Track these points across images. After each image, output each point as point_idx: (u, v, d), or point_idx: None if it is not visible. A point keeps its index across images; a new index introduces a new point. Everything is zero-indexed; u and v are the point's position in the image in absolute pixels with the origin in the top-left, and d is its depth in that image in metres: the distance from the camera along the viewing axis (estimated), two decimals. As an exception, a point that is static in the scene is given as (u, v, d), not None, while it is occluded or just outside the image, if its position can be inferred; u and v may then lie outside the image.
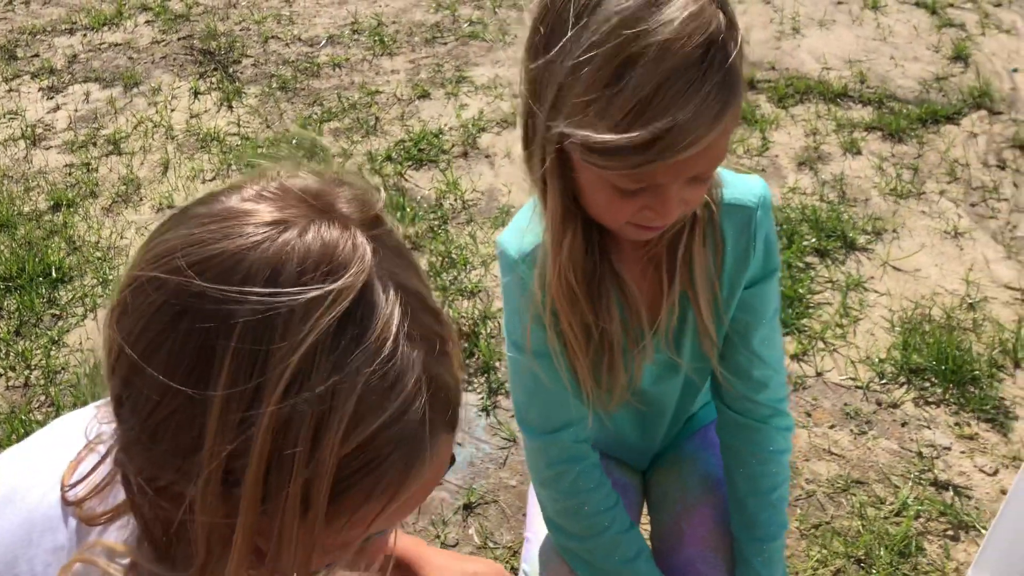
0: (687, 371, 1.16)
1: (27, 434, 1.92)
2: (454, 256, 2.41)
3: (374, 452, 0.54)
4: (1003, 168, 2.65)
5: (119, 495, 0.66)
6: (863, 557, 1.66)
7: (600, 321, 1.04)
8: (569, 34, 0.85)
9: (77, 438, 0.71)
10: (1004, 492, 1.74)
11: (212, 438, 0.52)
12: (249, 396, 0.52)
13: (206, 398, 0.52)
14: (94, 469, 0.68)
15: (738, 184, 1.06)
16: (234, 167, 2.85)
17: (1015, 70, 3.07)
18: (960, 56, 3.15)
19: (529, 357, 1.08)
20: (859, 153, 2.73)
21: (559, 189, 0.95)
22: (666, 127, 0.81)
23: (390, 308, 0.55)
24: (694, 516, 1.23)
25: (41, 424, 1.98)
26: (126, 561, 0.64)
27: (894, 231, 2.42)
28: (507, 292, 1.08)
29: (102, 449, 0.68)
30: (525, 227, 1.05)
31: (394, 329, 0.55)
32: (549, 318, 1.04)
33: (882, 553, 1.65)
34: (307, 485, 0.53)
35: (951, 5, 3.49)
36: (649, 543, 1.24)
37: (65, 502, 0.68)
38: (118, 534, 0.66)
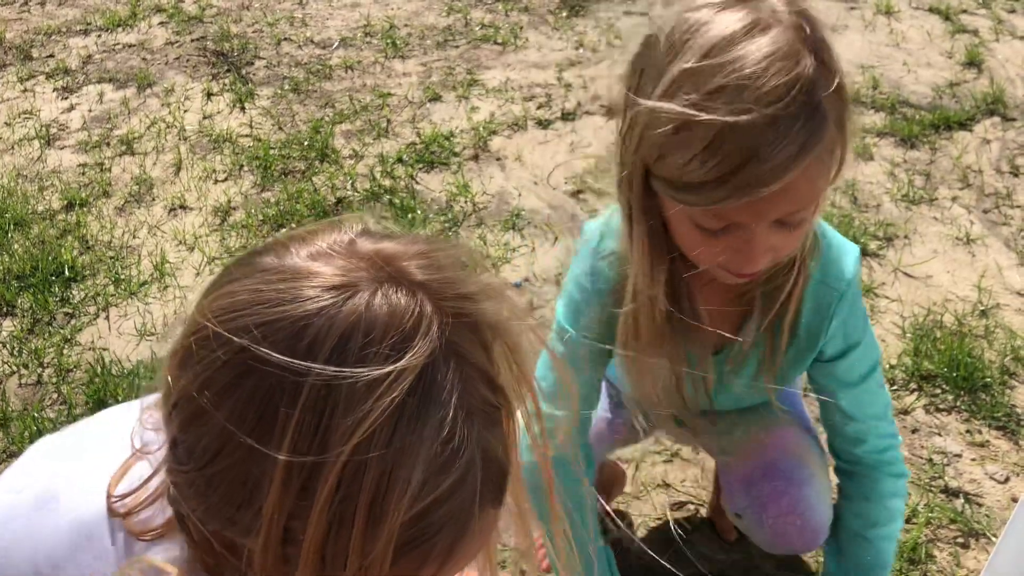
0: (741, 395, 1.16)
1: (40, 432, 1.93)
2: (464, 259, 2.42)
3: (426, 526, 0.55)
4: (1016, 175, 2.64)
5: (167, 511, 0.66)
6: (872, 564, 1.65)
7: (663, 339, 1.04)
8: (660, 66, 0.86)
9: (122, 441, 0.71)
10: (1015, 500, 1.73)
11: (274, 500, 0.53)
12: (310, 466, 0.52)
13: (267, 457, 0.53)
14: (144, 484, 0.68)
15: (831, 258, 1.04)
16: (245, 168, 2.87)
17: (1029, 76, 3.05)
18: (973, 62, 3.14)
19: (572, 344, 1.08)
20: (871, 159, 2.72)
21: (646, 221, 0.94)
22: (741, 163, 0.80)
23: (449, 386, 0.55)
24: (776, 432, 1.22)
25: (53, 423, 1.99)
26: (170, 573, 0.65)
27: (906, 237, 2.41)
28: (577, 282, 1.08)
29: (150, 460, 0.68)
30: (612, 226, 1.04)
31: (452, 407, 0.55)
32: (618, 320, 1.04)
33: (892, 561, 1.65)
34: (362, 555, 0.54)
35: (964, 11, 3.48)
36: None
37: (111, 512, 0.69)
38: (165, 554, 0.66)
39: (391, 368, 0.53)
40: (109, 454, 0.71)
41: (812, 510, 1.17)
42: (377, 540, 0.53)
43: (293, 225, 2.57)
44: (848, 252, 1.06)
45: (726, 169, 0.81)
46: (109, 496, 0.69)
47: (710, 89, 0.81)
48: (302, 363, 0.53)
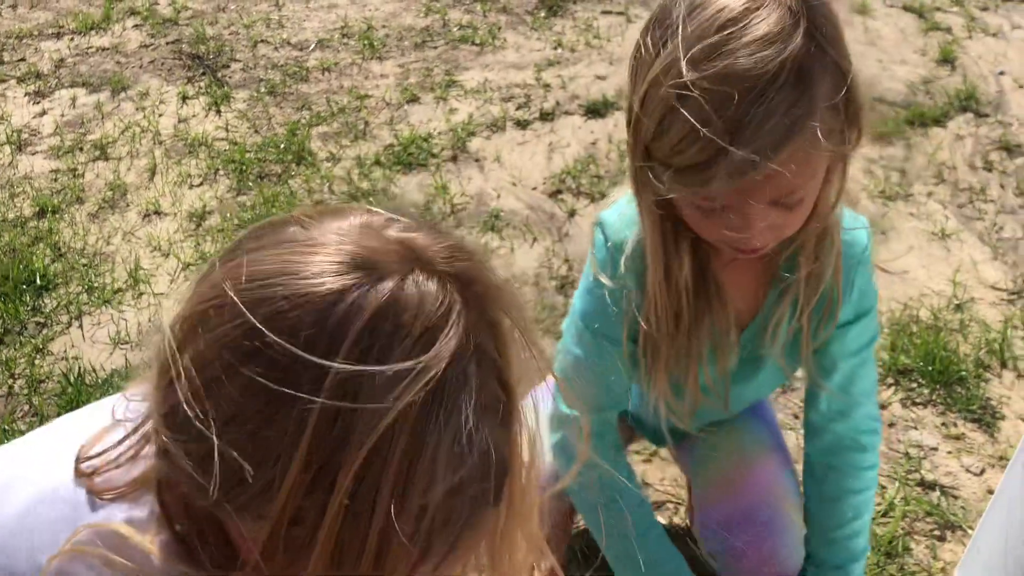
0: (770, 371, 1.15)
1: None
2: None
3: (433, 519, 0.54)
4: (989, 170, 2.67)
5: (132, 472, 0.65)
6: (851, 559, 1.66)
7: (689, 320, 1.03)
8: (656, 49, 0.86)
9: (86, 429, 0.70)
10: (991, 492, 1.74)
11: (293, 481, 0.52)
12: (332, 450, 0.51)
13: (284, 435, 0.51)
14: (119, 443, 0.66)
15: (848, 224, 1.05)
16: (221, 172, 2.84)
17: (1001, 73, 3.08)
18: (947, 59, 3.17)
19: (599, 339, 1.06)
20: (847, 155, 2.73)
21: (654, 205, 0.94)
22: (724, 147, 0.80)
23: (471, 380, 0.55)
24: (754, 471, 1.22)
25: (24, 434, 1.97)
26: (135, 541, 0.62)
27: (882, 233, 2.43)
28: (595, 279, 1.07)
29: (126, 427, 0.67)
30: (629, 216, 1.03)
31: (473, 402, 0.55)
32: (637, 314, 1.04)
33: (869, 554, 1.65)
34: (382, 539, 0.53)
35: (938, 9, 3.51)
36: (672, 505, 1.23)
37: (78, 473, 0.67)
38: (126, 514, 0.64)
39: (419, 361, 0.52)
40: (74, 440, 0.69)
41: (788, 559, 1.18)
42: (391, 529, 0.52)
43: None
44: (857, 220, 1.07)
45: (711, 153, 0.81)
46: (79, 458, 0.67)
47: (698, 73, 0.81)
48: (330, 343, 0.52)
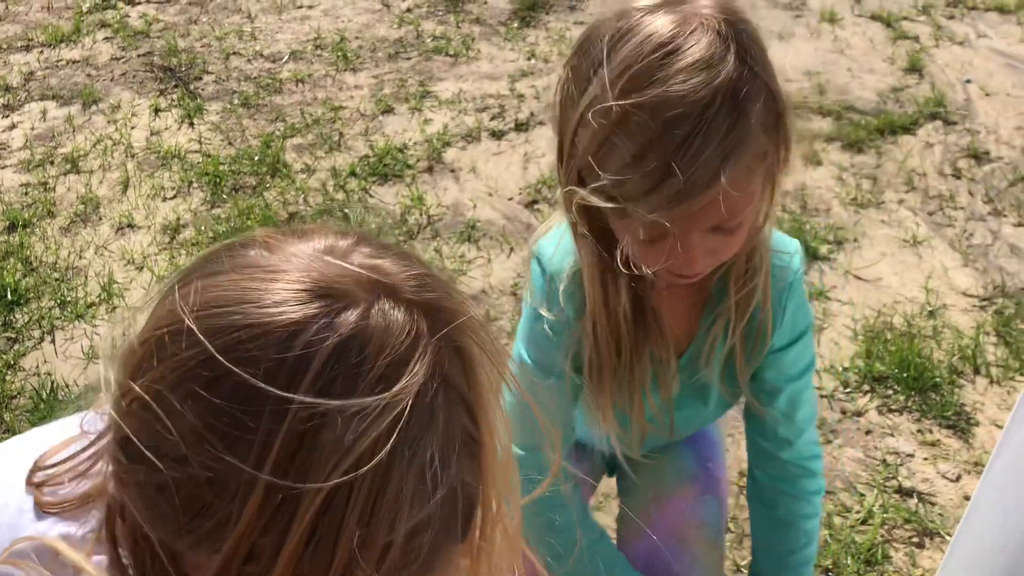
0: (719, 397, 1.15)
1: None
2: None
3: (397, 556, 0.53)
4: (958, 177, 2.71)
5: (79, 488, 0.63)
6: (831, 567, 1.67)
7: (630, 350, 1.02)
8: (587, 76, 0.84)
9: (54, 440, 0.68)
10: (967, 498, 1.76)
11: (249, 519, 0.50)
12: (288, 489, 0.49)
13: (240, 473, 0.49)
14: (72, 457, 0.65)
15: (776, 250, 1.04)
16: (195, 185, 2.82)
17: (968, 81, 3.14)
18: (915, 68, 3.22)
19: (543, 374, 1.06)
20: (820, 164, 2.76)
21: (589, 236, 0.93)
22: (661, 178, 0.79)
23: (438, 414, 0.53)
24: (665, 506, 1.22)
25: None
26: (68, 558, 0.60)
27: (855, 240, 2.46)
28: (536, 312, 1.05)
29: (88, 440, 0.65)
30: (565, 245, 1.02)
31: (440, 436, 0.53)
32: (583, 340, 1.02)
33: (849, 562, 1.66)
34: None
35: (905, 18, 3.56)
36: (614, 526, 1.23)
37: (29, 482, 0.65)
38: (63, 529, 0.62)
39: (383, 397, 0.50)
40: (27, 457, 0.68)
41: None
42: (354, 566, 0.51)
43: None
44: (789, 244, 1.08)
45: (649, 184, 0.80)
46: (34, 467, 0.66)
47: (631, 103, 0.80)
48: (291, 376, 0.50)
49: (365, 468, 0.50)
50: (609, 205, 0.84)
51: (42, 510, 0.64)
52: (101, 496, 0.62)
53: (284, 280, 0.53)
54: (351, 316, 0.52)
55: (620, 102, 0.80)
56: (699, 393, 1.13)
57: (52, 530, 0.63)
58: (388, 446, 0.51)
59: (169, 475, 0.51)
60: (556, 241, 1.03)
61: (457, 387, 0.56)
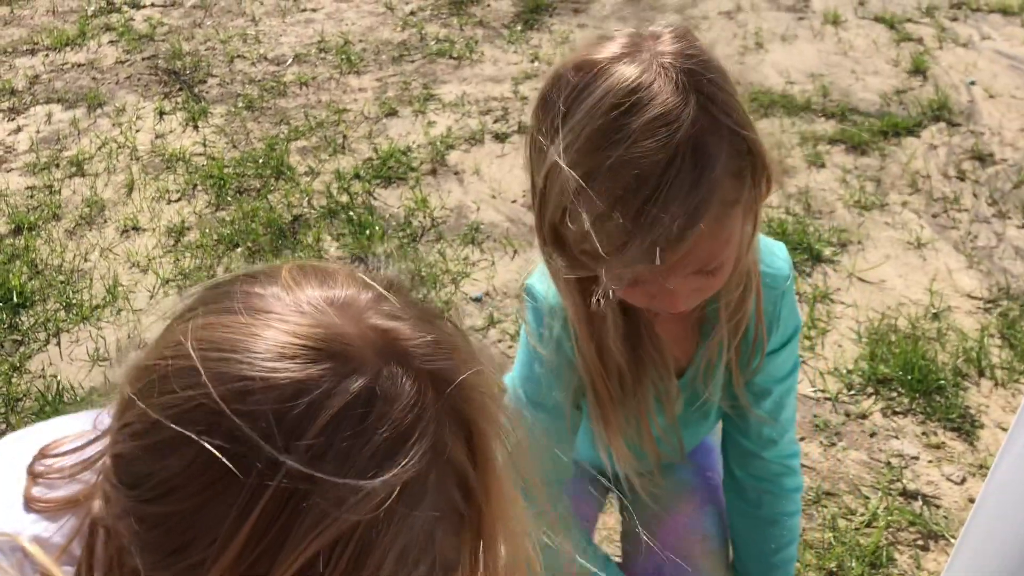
0: (717, 409, 1.15)
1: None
2: (424, 274, 2.41)
3: None
4: (963, 179, 2.70)
5: (68, 490, 0.63)
6: (835, 570, 1.67)
7: (631, 380, 1.02)
8: (548, 141, 0.83)
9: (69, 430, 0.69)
10: (972, 500, 1.76)
11: (227, 564, 0.49)
12: (276, 539, 0.49)
13: (226, 517, 0.49)
14: (69, 454, 0.65)
15: (767, 259, 1.04)
16: (199, 187, 2.82)
17: (972, 82, 3.13)
18: (919, 70, 3.21)
19: (540, 410, 1.05)
20: (823, 166, 2.76)
21: (571, 282, 0.92)
22: (629, 239, 0.78)
23: (431, 490, 0.53)
24: (665, 523, 1.23)
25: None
26: (37, 560, 0.61)
27: (859, 243, 2.45)
28: (531, 343, 1.04)
29: (88, 439, 0.65)
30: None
31: (427, 508, 0.52)
32: (584, 375, 1.02)
33: (854, 565, 1.66)
34: None
35: (909, 20, 3.56)
36: (620, 544, 1.24)
37: (29, 470, 0.66)
38: (39, 530, 0.63)
39: (376, 482, 0.50)
40: (26, 455, 0.68)
41: None
42: None
43: (249, 244, 2.53)
44: (778, 251, 1.07)
45: (620, 241, 0.79)
46: (40, 453, 0.66)
47: (595, 162, 0.79)
48: (287, 436, 0.49)
49: (346, 540, 0.49)
50: (583, 273, 0.83)
51: (28, 505, 0.64)
52: (82, 504, 0.62)
53: (294, 334, 0.52)
54: (357, 383, 0.51)
55: (582, 164, 0.79)
56: (701, 408, 1.13)
57: (30, 529, 0.63)
58: (373, 521, 0.50)
59: (155, 509, 0.51)
60: (546, 277, 1.02)
61: (455, 462, 0.55)
